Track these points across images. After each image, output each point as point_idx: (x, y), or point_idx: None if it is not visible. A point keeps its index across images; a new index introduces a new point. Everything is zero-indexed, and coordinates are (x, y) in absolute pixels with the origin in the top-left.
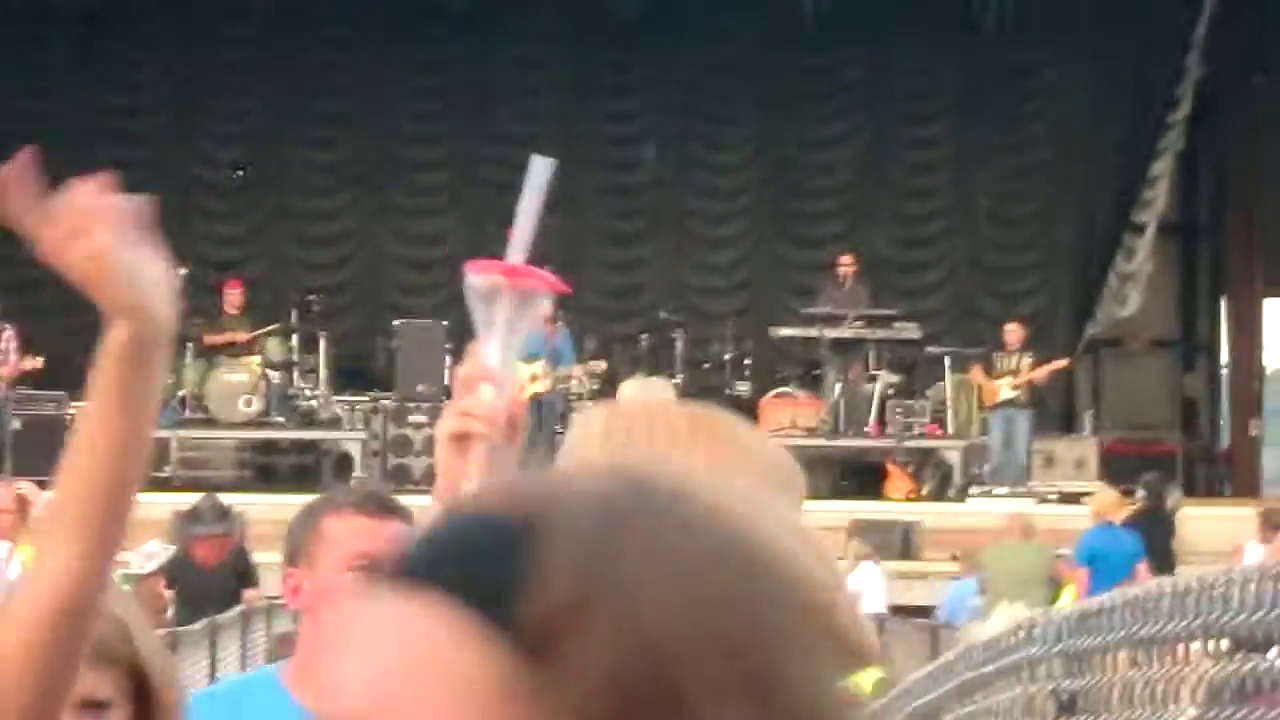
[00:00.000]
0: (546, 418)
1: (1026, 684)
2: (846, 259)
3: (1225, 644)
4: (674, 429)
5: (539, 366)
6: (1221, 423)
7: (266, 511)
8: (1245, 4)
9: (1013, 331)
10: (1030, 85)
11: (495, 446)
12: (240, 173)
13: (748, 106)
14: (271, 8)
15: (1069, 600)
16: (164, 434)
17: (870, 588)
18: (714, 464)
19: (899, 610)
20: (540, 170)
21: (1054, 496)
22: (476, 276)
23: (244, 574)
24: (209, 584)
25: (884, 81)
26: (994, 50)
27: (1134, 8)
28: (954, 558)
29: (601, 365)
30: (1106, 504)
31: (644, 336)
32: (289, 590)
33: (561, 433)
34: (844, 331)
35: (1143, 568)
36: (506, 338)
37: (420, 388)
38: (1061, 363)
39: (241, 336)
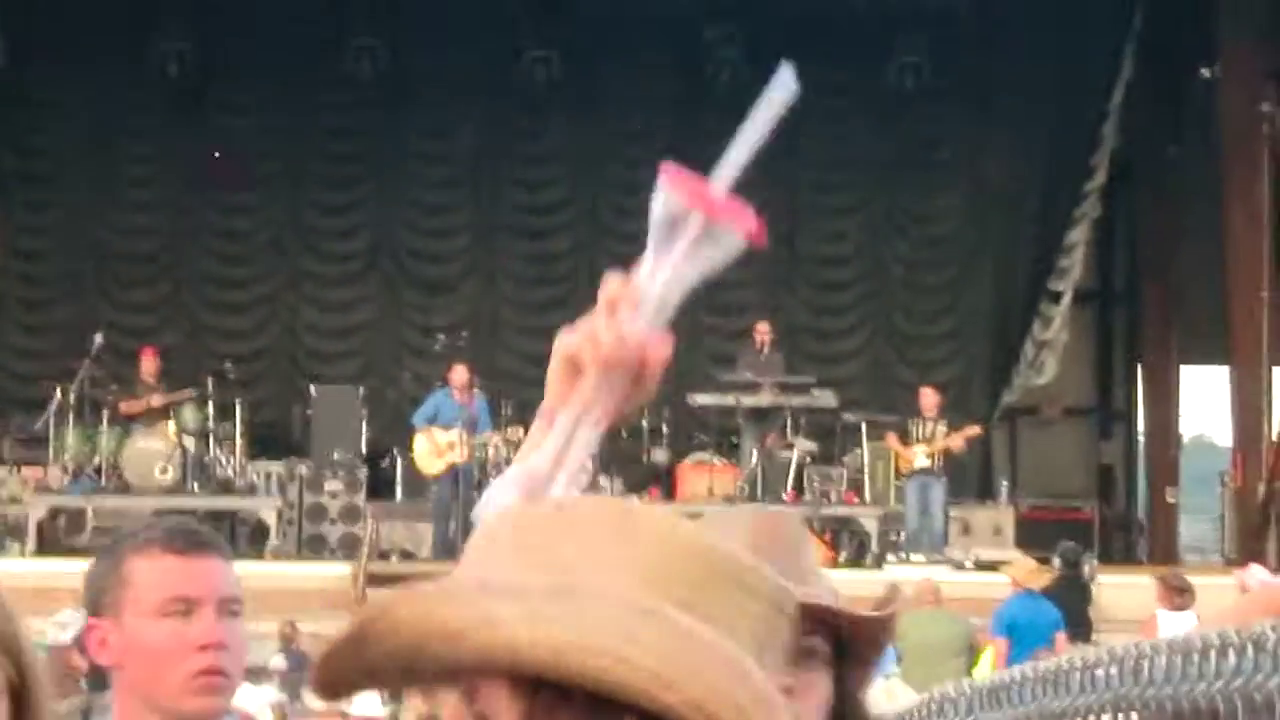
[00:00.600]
0: (463, 486)
1: None
2: (763, 326)
3: (1135, 718)
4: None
5: (456, 434)
6: (1138, 491)
7: None
8: (1161, 77)
9: (928, 398)
10: (944, 153)
11: (609, 382)
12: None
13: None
14: (183, 75)
15: (986, 669)
16: (79, 503)
17: None
18: (643, 577)
19: None
20: (783, 85)
21: (970, 564)
22: (671, 192)
23: None
24: None
25: (797, 148)
26: (909, 117)
27: (1051, 77)
28: None
29: (520, 432)
30: (1025, 573)
31: None
32: (94, 644)
33: (474, 498)
34: (761, 399)
35: (1061, 637)
36: (679, 268)
37: (336, 454)
38: (976, 430)
39: (156, 401)
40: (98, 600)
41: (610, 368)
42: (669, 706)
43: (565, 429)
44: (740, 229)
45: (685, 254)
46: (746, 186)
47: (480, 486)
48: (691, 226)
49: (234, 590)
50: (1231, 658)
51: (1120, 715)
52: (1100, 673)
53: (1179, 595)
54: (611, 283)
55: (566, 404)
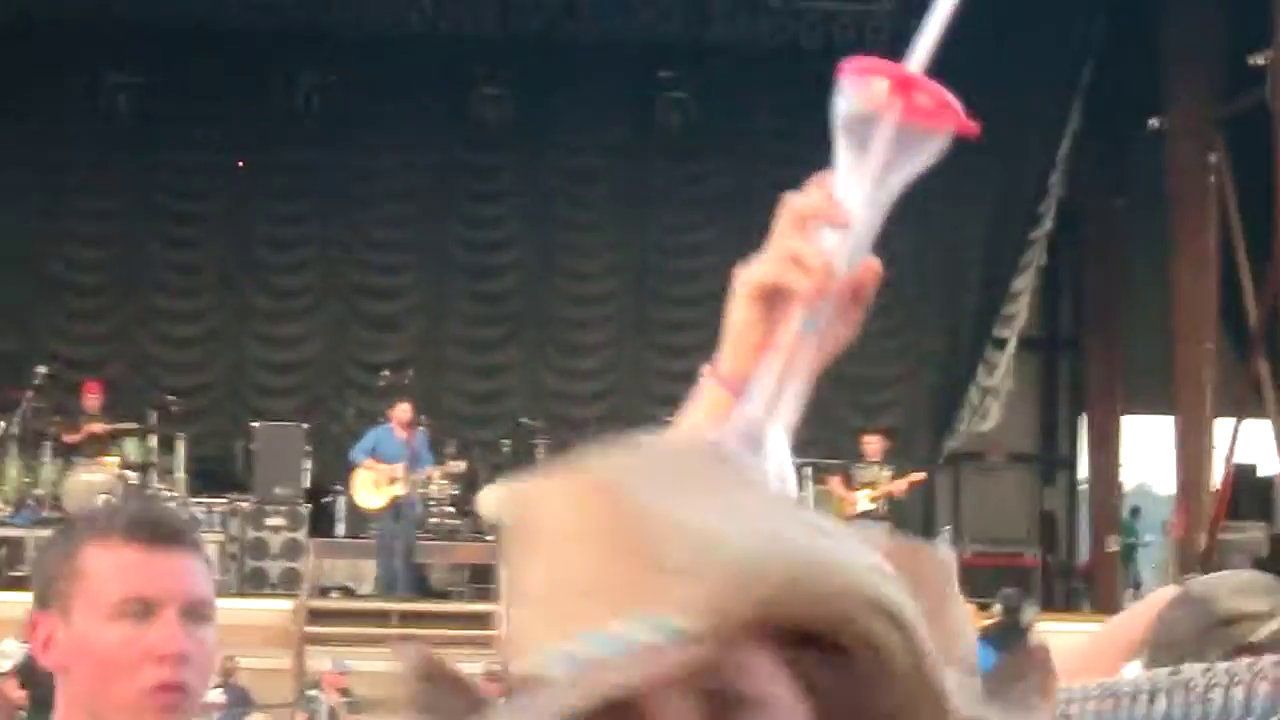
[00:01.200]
0: (405, 521)
1: None
2: (709, 369)
3: None
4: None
5: (398, 469)
6: (1080, 538)
7: None
8: (1109, 127)
9: (871, 443)
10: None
11: (816, 320)
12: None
13: (612, 214)
14: (132, 109)
15: None
16: (20, 533)
17: None
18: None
19: None
20: None
21: None
22: (857, 88)
23: None
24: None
25: (747, 193)
26: None
27: (1000, 126)
28: None
29: (461, 465)
30: None
31: (505, 442)
32: (39, 643)
33: (419, 537)
34: None
35: None
36: (880, 177)
37: (278, 490)
38: (919, 476)
39: (98, 428)
40: (45, 591)
41: (820, 299)
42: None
43: (773, 374)
44: (943, 126)
45: (885, 162)
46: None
47: (422, 523)
48: (885, 129)
49: (204, 591)
50: (1161, 703)
51: None
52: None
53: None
54: (809, 195)
55: (760, 350)
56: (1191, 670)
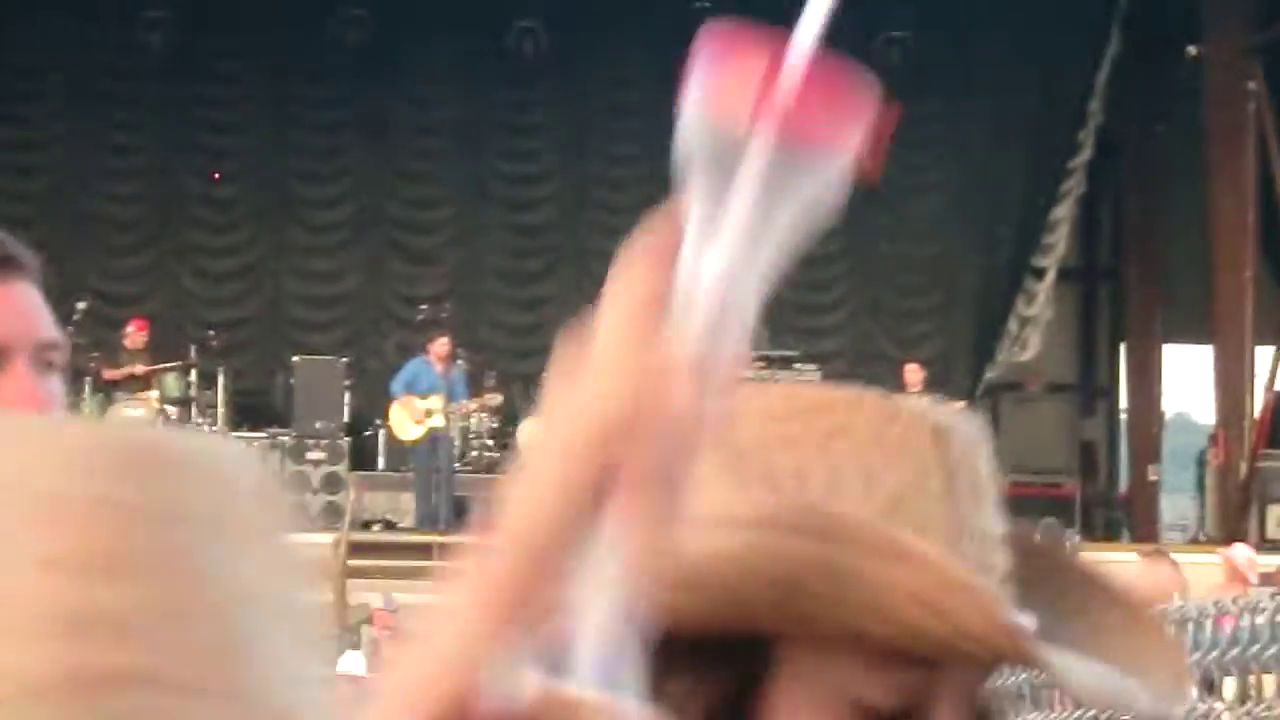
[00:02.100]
0: (444, 454)
1: None
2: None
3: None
4: None
5: (434, 401)
6: (1120, 468)
7: None
8: (1148, 55)
9: (912, 373)
10: (929, 129)
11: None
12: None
13: (646, 146)
14: (166, 43)
15: None
16: None
17: None
18: None
19: None
20: None
21: None
22: (709, 100)
23: None
24: None
25: None
26: (892, 93)
27: (1034, 54)
28: None
29: (498, 398)
30: None
31: (544, 375)
32: None
33: (458, 470)
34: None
35: None
36: (756, 222)
37: (319, 424)
38: (958, 406)
39: (139, 369)
40: None
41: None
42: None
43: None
44: (838, 147)
45: (764, 194)
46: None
47: (462, 455)
48: (756, 153)
49: (52, 331)
50: (1227, 628)
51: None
52: None
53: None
54: (654, 235)
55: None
56: (1259, 593)
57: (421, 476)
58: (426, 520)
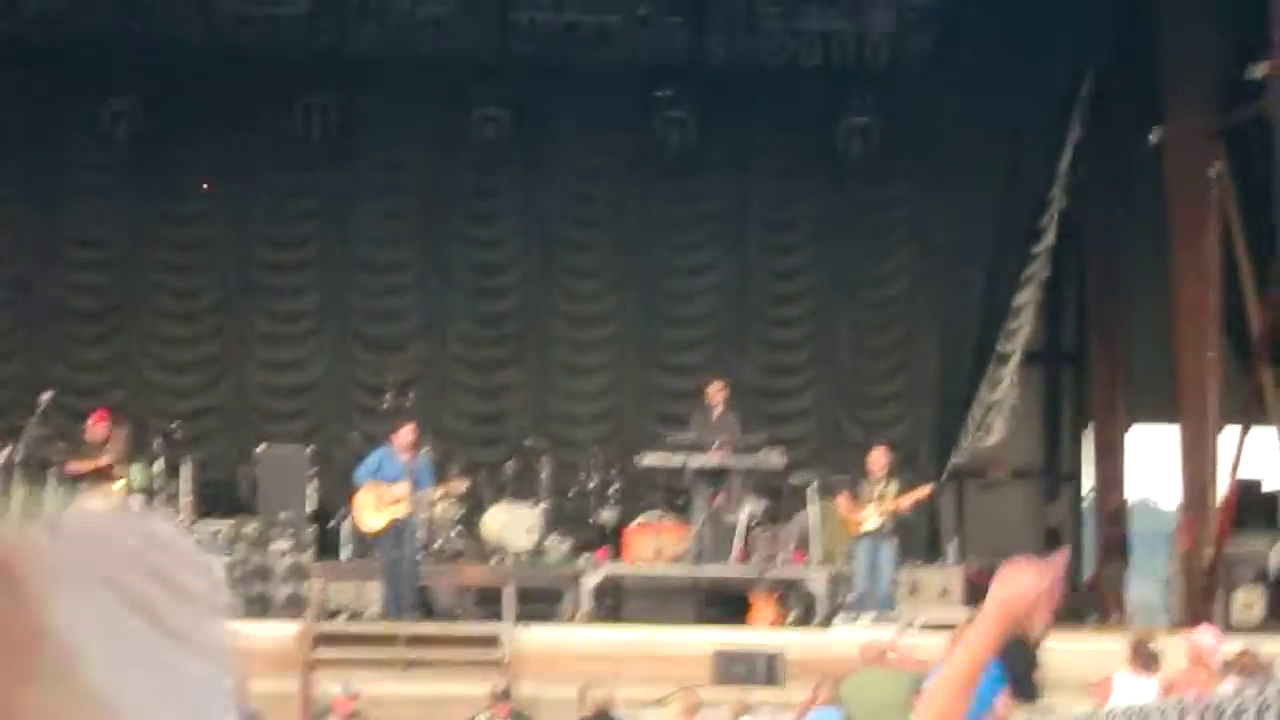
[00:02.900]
0: (408, 541)
1: None
2: (717, 385)
3: None
4: None
5: (400, 488)
6: (1086, 553)
7: None
8: (1110, 139)
9: (877, 459)
10: (893, 215)
11: None
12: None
13: (612, 233)
14: (132, 135)
15: None
16: None
17: None
18: None
19: None
20: None
21: (919, 626)
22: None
23: None
24: None
25: (747, 211)
26: (857, 181)
27: (998, 140)
28: (816, 685)
29: (464, 484)
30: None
31: (509, 463)
32: None
33: (425, 559)
34: (709, 459)
35: (1001, 700)
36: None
37: (283, 514)
38: (925, 490)
39: (104, 460)
40: None
41: None
42: None
43: None
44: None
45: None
46: (696, 245)
47: (427, 545)
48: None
49: None
50: None
51: None
52: None
53: (1146, 662)
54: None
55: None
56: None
57: (386, 566)
58: (392, 609)
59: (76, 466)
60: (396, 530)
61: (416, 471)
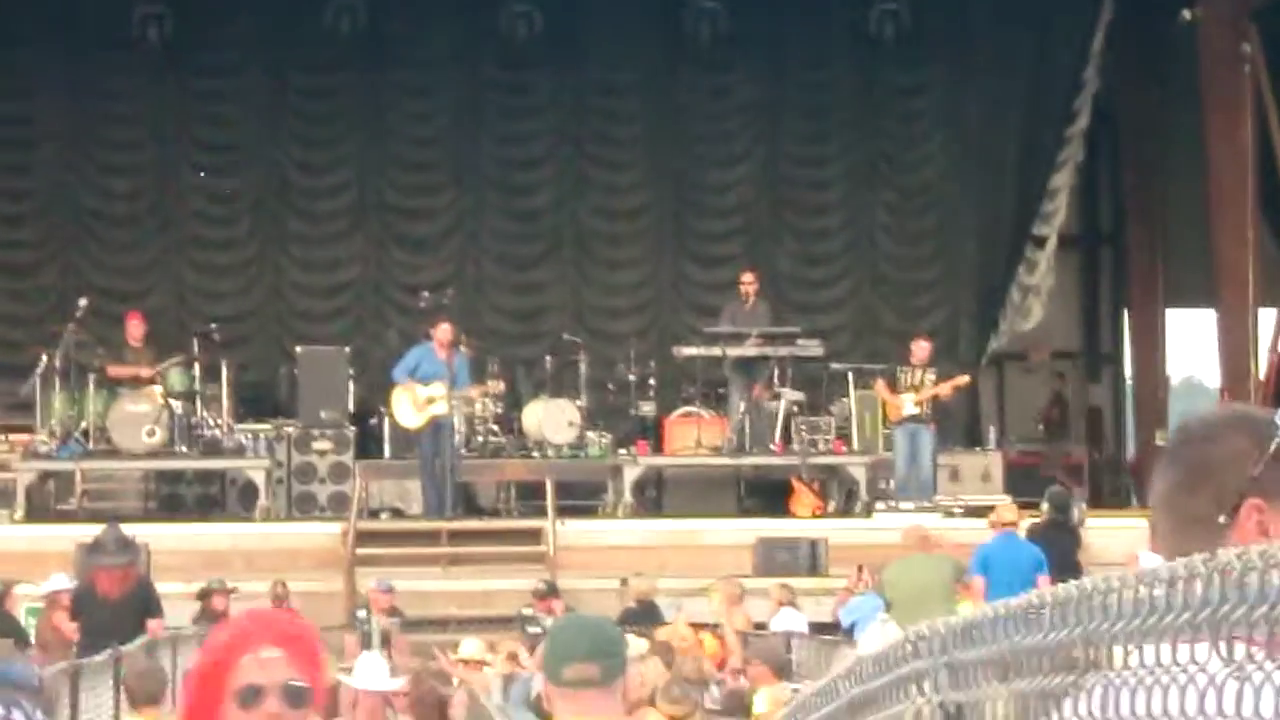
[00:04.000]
0: (446, 439)
1: (915, 698)
2: (748, 277)
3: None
4: None
5: (438, 387)
6: (1127, 434)
7: (171, 542)
8: (1141, 20)
9: (919, 347)
10: (925, 100)
11: None
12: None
13: (643, 127)
14: (162, 37)
15: (966, 609)
16: (68, 466)
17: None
18: None
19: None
20: None
21: (960, 510)
22: None
23: (147, 605)
24: (112, 615)
25: (779, 99)
26: (889, 66)
27: (1030, 22)
28: (859, 569)
29: (500, 385)
30: (1002, 514)
31: (547, 358)
32: None
33: (460, 453)
34: (747, 350)
35: (1044, 579)
36: None
37: (323, 414)
38: (964, 380)
39: (145, 371)
40: None
41: None
42: None
43: None
44: None
45: None
46: (728, 136)
47: (467, 442)
48: None
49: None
50: (1198, 588)
51: (1092, 650)
52: (1070, 609)
53: None
54: None
55: None
56: (1227, 554)
57: (425, 464)
58: (433, 508)
59: (116, 372)
60: (435, 428)
61: (454, 369)
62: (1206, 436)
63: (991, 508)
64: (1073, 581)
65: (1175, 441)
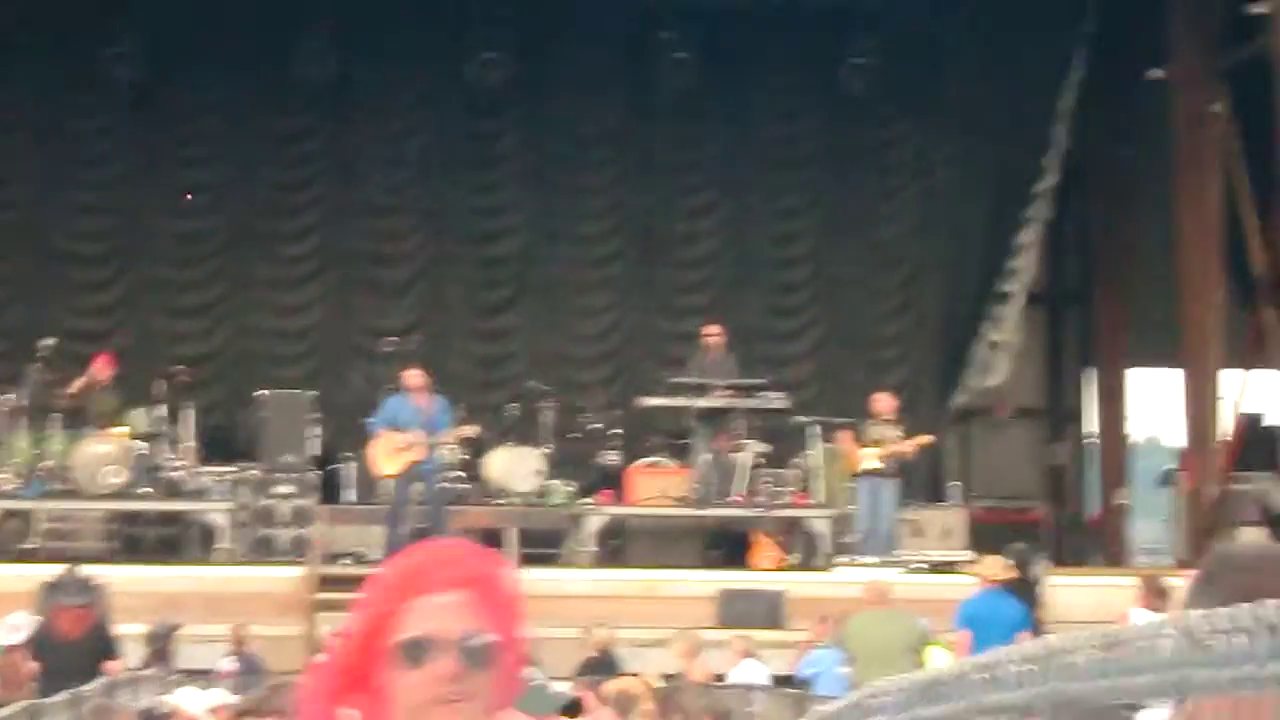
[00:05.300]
0: (426, 485)
1: None
2: (713, 329)
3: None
4: None
5: (414, 435)
6: (1090, 492)
7: (132, 583)
8: (1111, 79)
9: (881, 401)
10: (895, 155)
11: None
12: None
13: (612, 177)
14: (132, 78)
15: (937, 660)
16: (29, 505)
17: (754, 682)
18: None
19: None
20: None
21: (922, 566)
22: None
23: (106, 645)
24: (71, 655)
25: (747, 151)
26: (858, 120)
27: (1001, 79)
28: (821, 619)
29: (474, 429)
30: (990, 569)
31: (512, 406)
32: None
33: (432, 501)
34: (712, 401)
35: (1025, 637)
36: None
37: (287, 458)
38: (928, 439)
39: (108, 407)
40: None
41: None
42: None
43: None
44: None
45: None
46: (696, 187)
47: (441, 489)
48: None
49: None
50: (1164, 648)
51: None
52: (1034, 666)
53: (1158, 597)
54: None
55: None
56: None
57: (394, 511)
58: (393, 552)
59: (71, 392)
60: (410, 474)
61: (432, 414)
62: (1252, 568)
63: (953, 564)
64: (1038, 639)
65: (1215, 568)
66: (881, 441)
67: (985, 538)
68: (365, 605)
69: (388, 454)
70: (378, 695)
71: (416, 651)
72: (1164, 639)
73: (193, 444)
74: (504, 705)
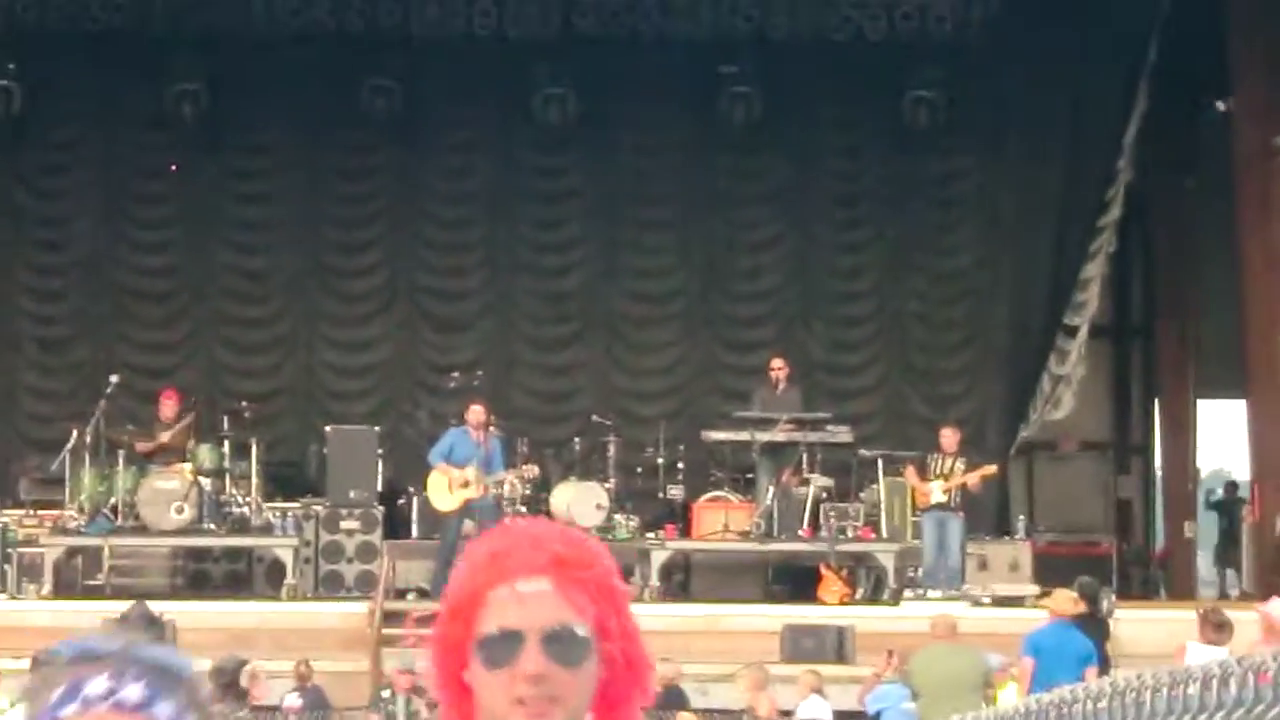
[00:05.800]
0: (479, 523)
1: None
2: (778, 362)
3: None
4: None
5: (470, 472)
6: (1156, 525)
7: (198, 619)
8: (1176, 110)
9: (947, 435)
10: (959, 188)
11: None
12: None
13: (675, 211)
14: (198, 114)
15: (1010, 697)
16: (96, 542)
17: (821, 717)
18: None
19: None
20: None
21: (988, 600)
22: None
23: None
24: None
25: (811, 186)
26: (922, 153)
27: (1065, 110)
28: (889, 654)
29: (534, 470)
30: (1060, 603)
31: (576, 440)
32: None
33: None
34: (776, 435)
35: (1091, 672)
36: None
37: (352, 493)
38: (992, 470)
39: (165, 438)
40: None
41: None
42: None
43: None
44: None
45: None
46: (760, 221)
47: (497, 523)
48: None
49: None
50: (1232, 688)
51: None
52: (1103, 704)
53: (1216, 631)
54: None
55: None
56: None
57: (445, 547)
58: (437, 590)
59: (145, 447)
60: (465, 511)
61: (489, 452)
62: None
63: (1020, 597)
64: (1106, 678)
65: None
66: (947, 475)
67: (1051, 571)
68: (452, 592)
69: (445, 490)
70: (465, 695)
71: (495, 648)
72: (1231, 677)
73: (258, 479)
74: (612, 712)
